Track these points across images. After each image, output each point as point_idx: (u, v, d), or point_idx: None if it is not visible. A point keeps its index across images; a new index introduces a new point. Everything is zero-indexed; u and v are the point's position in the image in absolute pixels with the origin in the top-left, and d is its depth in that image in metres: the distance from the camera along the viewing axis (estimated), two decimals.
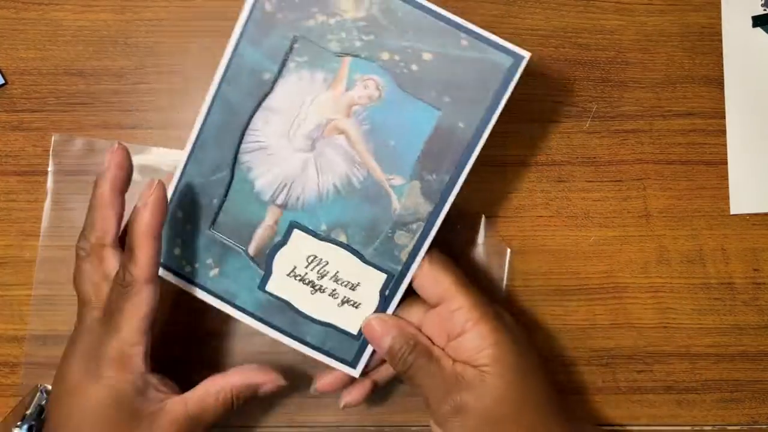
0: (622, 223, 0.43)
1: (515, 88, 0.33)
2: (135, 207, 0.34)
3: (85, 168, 0.42)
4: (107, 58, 0.42)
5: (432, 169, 0.34)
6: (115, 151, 0.35)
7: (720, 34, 0.44)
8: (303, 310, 0.37)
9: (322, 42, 0.34)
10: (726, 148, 0.43)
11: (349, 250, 0.36)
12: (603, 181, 0.43)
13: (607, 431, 0.43)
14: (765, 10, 0.43)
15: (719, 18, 0.44)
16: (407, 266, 0.36)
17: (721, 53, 0.44)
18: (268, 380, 0.36)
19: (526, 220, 0.43)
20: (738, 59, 0.43)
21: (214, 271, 0.37)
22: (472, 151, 0.34)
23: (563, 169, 0.43)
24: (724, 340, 0.43)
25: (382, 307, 0.36)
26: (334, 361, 0.37)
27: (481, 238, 0.43)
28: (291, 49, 0.34)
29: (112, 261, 0.35)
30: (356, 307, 0.36)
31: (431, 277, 0.35)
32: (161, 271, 0.36)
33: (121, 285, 0.33)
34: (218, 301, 0.37)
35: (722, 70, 0.43)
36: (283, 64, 0.34)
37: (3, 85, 0.42)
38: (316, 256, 0.36)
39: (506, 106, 0.34)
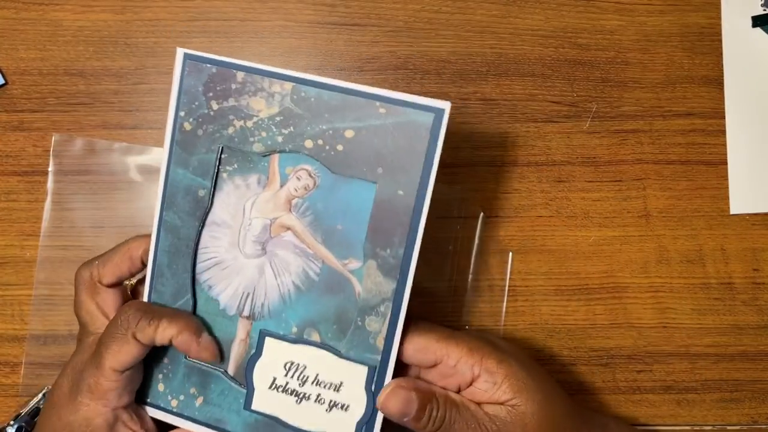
0: (622, 223, 0.43)
1: (447, 140, 0.31)
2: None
3: (86, 168, 0.42)
4: (107, 58, 0.42)
5: (384, 244, 0.32)
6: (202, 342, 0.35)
7: (720, 34, 0.44)
8: (293, 424, 0.34)
9: (246, 146, 0.33)
10: (726, 148, 0.43)
11: (324, 348, 0.34)
12: (603, 181, 0.43)
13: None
14: (765, 10, 0.43)
15: (719, 18, 0.44)
16: (387, 353, 0.33)
17: (721, 53, 0.44)
18: None
19: (526, 220, 0.43)
20: (738, 59, 0.43)
21: (199, 400, 0.35)
22: (419, 217, 0.32)
23: (563, 169, 0.43)
24: (723, 340, 0.43)
25: (371, 404, 0.33)
26: None
27: (480, 237, 0.43)
28: (219, 160, 0.34)
29: (105, 296, 0.36)
30: (345, 410, 0.34)
31: (418, 348, 0.34)
32: (150, 410, 0.36)
33: (114, 327, 0.34)
34: (209, 430, 0.35)
35: (722, 70, 0.43)
36: (216, 177, 0.34)
37: (3, 85, 0.42)
38: (292, 362, 0.34)
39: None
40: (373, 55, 0.43)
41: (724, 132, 0.43)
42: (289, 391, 0.34)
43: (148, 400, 0.36)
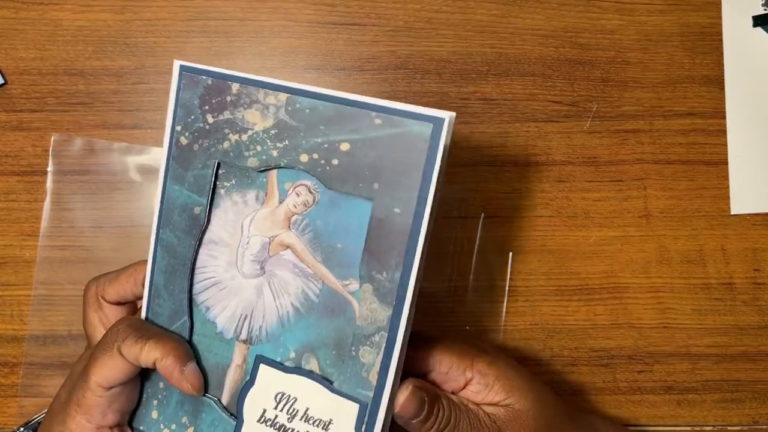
0: (623, 223, 0.43)
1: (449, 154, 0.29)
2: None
3: (85, 168, 0.42)
4: (107, 58, 0.42)
5: (380, 267, 0.30)
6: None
7: (720, 34, 0.44)
8: None
9: (241, 161, 0.32)
10: (726, 148, 0.43)
11: (316, 380, 0.32)
12: (603, 181, 0.43)
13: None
14: (765, 10, 0.43)
15: (719, 18, 0.44)
16: (379, 391, 0.30)
17: (721, 53, 0.43)
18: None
19: (526, 220, 0.43)
20: (738, 59, 0.43)
21: (190, 431, 0.34)
22: (416, 238, 0.29)
23: (563, 169, 0.43)
24: (724, 340, 0.43)
25: None
26: None
27: (481, 238, 0.43)
28: (215, 176, 0.33)
29: (108, 312, 0.36)
30: None
31: (410, 358, 0.32)
32: None
33: (104, 340, 0.33)
34: None
35: (722, 70, 0.43)
36: (212, 194, 0.33)
37: (3, 85, 0.42)
38: (284, 393, 0.32)
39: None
40: (373, 55, 0.43)
41: (724, 132, 0.43)
42: (277, 426, 0.32)
43: (142, 428, 0.35)
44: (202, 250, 0.34)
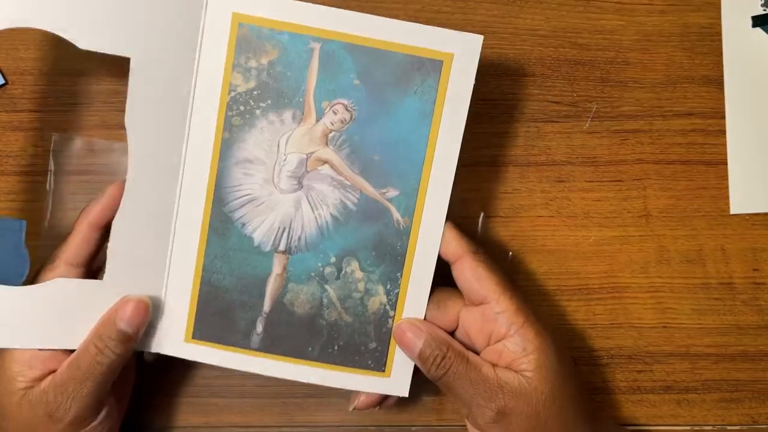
0: (622, 223, 0.43)
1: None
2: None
3: (86, 168, 0.42)
4: (107, 57, 0.42)
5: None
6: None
7: (720, 34, 0.44)
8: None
9: None
10: (726, 148, 0.43)
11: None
12: (603, 181, 0.43)
13: (630, 431, 0.43)
14: (765, 10, 0.43)
15: (719, 18, 0.44)
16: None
17: (721, 53, 0.44)
18: (120, 310, 0.34)
19: (526, 220, 0.43)
20: (738, 59, 0.43)
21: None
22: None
23: (563, 169, 0.43)
24: (724, 340, 0.43)
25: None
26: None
27: (480, 238, 0.43)
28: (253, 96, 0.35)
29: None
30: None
31: (476, 275, 0.35)
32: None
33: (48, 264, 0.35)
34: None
35: (722, 70, 0.43)
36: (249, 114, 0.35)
37: (3, 85, 0.42)
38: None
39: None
40: None
41: (724, 132, 0.43)
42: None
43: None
44: (236, 169, 0.35)
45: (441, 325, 0.36)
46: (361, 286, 0.36)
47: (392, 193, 0.35)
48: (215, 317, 0.36)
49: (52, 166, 0.42)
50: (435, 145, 0.35)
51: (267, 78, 0.34)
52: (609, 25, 0.43)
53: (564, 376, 0.35)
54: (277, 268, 0.36)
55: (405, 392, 0.37)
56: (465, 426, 0.37)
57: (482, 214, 0.43)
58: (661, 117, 0.43)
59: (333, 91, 0.34)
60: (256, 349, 0.36)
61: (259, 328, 0.36)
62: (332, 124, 0.35)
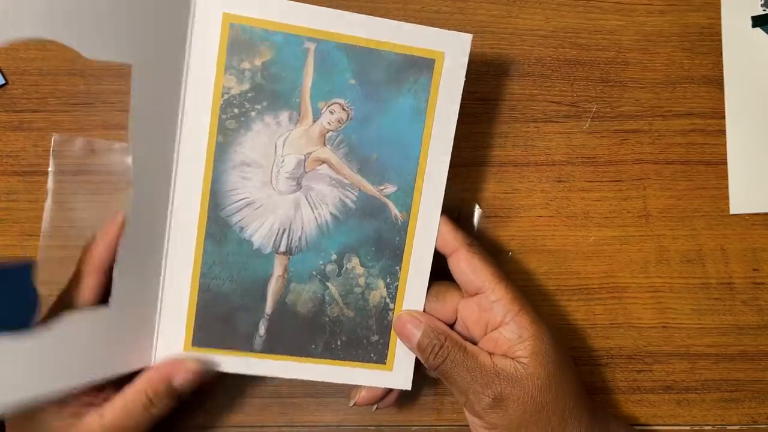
0: (622, 223, 0.43)
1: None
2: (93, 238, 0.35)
3: (86, 168, 0.42)
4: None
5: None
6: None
7: (720, 34, 0.44)
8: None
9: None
10: (726, 148, 0.43)
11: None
12: (603, 181, 0.43)
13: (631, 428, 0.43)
14: (765, 10, 0.43)
15: (719, 18, 0.44)
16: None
17: (721, 53, 0.44)
18: (176, 371, 0.35)
19: (526, 220, 0.43)
20: (738, 59, 0.43)
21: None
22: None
23: (563, 169, 0.43)
24: (723, 340, 0.43)
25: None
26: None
27: (479, 237, 0.43)
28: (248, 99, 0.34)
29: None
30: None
31: (471, 266, 0.36)
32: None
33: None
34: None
35: (722, 70, 0.43)
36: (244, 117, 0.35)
37: (3, 85, 0.42)
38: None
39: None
40: None
41: (724, 132, 0.43)
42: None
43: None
44: (233, 173, 0.35)
45: (440, 317, 0.37)
46: (361, 281, 0.36)
47: (390, 189, 0.36)
48: (216, 323, 0.36)
49: (52, 166, 0.42)
50: (429, 141, 0.35)
51: (261, 79, 0.34)
52: (609, 25, 0.43)
53: (560, 365, 0.35)
54: (278, 270, 0.36)
55: (408, 385, 0.37)
56: (465, 426, 0.37)
57: (477, 207, 0.43)
58: (660, 117, 0.43)
59: (329, 91, 0.35)
60: (259, 351, 0.36)
61: (262, 330, 0.36)
62: (329, 124, 0.35)
